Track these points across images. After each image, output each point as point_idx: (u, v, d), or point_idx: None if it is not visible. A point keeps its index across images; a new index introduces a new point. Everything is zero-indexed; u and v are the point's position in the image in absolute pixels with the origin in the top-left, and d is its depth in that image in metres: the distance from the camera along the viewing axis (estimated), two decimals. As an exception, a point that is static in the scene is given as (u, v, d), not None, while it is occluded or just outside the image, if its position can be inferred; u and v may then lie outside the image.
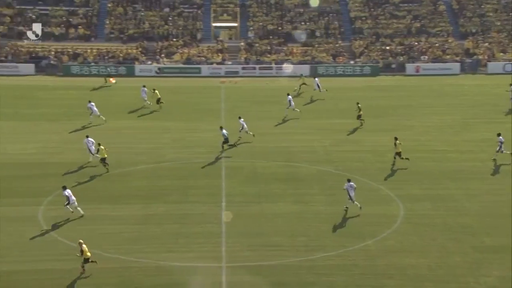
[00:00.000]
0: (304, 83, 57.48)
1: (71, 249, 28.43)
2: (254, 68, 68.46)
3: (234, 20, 77.77)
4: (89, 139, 39.68)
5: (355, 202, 32.56)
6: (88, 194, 35.00)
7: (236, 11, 77.56)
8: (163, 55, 69.94)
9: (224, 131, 41.76)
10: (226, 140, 41.53)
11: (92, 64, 67.45)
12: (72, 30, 72.65)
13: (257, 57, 70.50)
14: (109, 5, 76.07)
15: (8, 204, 33.23)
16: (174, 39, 72.54)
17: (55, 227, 30.92)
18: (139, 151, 42.08)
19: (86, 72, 65.41)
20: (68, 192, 31.87)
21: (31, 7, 74.48)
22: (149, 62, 68.94)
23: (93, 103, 48.22)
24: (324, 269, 27.39)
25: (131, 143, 43.81)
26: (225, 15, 77.82)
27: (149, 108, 52.31)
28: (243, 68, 68.37)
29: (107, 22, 74.11)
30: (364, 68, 69.08)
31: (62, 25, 73.03)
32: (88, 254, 26.65)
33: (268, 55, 70.74)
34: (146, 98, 52.77)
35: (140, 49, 70.50)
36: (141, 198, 34.64)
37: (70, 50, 69.50)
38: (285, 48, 72.07)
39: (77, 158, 40.06)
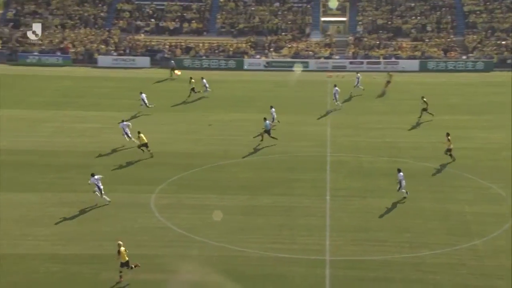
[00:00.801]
0: (389, 81, 56.57)
1: (180, 236, 29.67)
2: (362, 63, 67.86)
3: (343, 15, 77.39)
4: (125, 123, 41.69)
5: (403, 190, 32.90)
6: (197, 183, 36.20)
7: (346, 5, 77.13)
8: (271, 49, 70.73)
9: (267, 122, 42.16)
10: (267, 132, 41.81)
11: (203, 57, 69.35)
12: (185, 25, 75.00)
13: (365, 51, 69.85)
14: (221, 0, 77.82)
15: (124, 191, 34.92)
16: (283, 34, 73.18)
17: (166, 214, 32.16)
18: (246, 143, 42.90)
19: (197, 65, 67.27)
20: (95, 178, 32.61)
21: (149, 2, 77.54)
22: (258, 56, 69.95)
23: (144, 95, 49.88)
24: (430, 267, 27.01)
25: (238, 135, 44.69)
26: (334, 9, 77.55)
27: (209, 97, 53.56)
28: (351, 63, 67.95)
29: (219, 16, 75.85)
30: (477, 63, 66.77)
31: (177, 20, 75.58)
32: (126, 257, 25.66)
33: (377, 50, 69.87)
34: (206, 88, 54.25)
35: (249, 43, 71.71)
36: (247, 189, 35.40)
37: (183, 44, 71.82)
38: (394, 42, 70.93)
39: (188, 148, 41.55)
